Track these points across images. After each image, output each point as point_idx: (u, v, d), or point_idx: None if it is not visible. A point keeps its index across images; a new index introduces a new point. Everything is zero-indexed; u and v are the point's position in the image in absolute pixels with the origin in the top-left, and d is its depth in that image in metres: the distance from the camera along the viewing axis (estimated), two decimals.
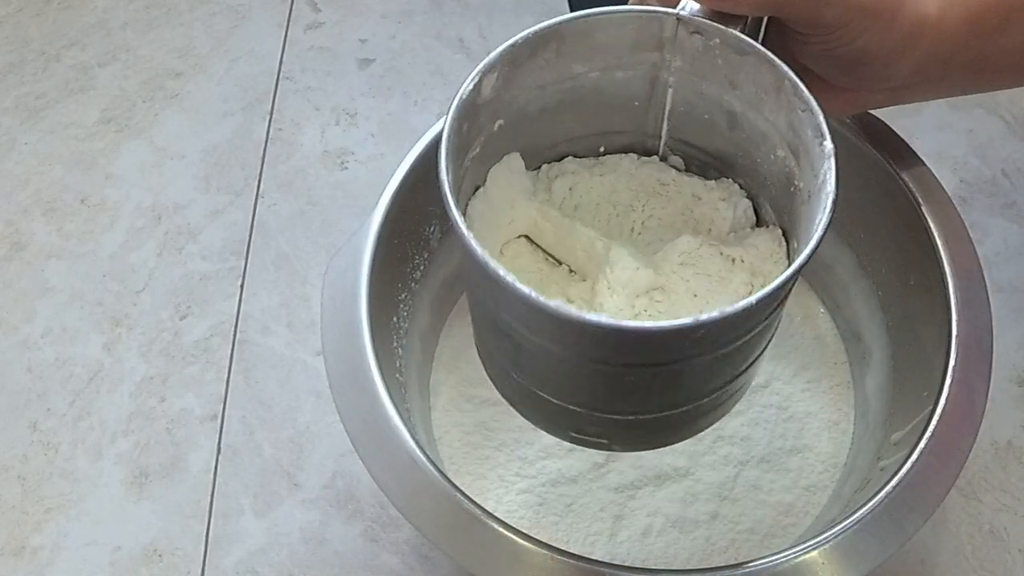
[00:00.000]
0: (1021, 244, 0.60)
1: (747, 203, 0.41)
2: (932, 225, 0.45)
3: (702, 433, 0.50)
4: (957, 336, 0.43)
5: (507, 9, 0.71)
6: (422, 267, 0.50)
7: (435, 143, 0.47)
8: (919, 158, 0.47)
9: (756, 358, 0.37)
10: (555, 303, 0.30)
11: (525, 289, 0.30)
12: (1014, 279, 0.59)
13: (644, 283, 0.38)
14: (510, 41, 0.35)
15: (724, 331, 0.32)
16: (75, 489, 0.53)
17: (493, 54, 0.35)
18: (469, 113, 0.35)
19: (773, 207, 0.40)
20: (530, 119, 0.38)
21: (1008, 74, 0.42)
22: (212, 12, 0.72)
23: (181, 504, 0.53)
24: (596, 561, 0.38)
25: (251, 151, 0.65)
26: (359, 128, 0.66)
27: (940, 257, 0.44)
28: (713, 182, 0.41)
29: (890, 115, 0.48)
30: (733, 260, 0.39)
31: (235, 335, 0.58)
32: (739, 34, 0.35)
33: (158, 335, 0.58)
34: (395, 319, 0.47)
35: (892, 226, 0.48)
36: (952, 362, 0.42)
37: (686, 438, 0.41)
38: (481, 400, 0.52)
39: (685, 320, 0.30)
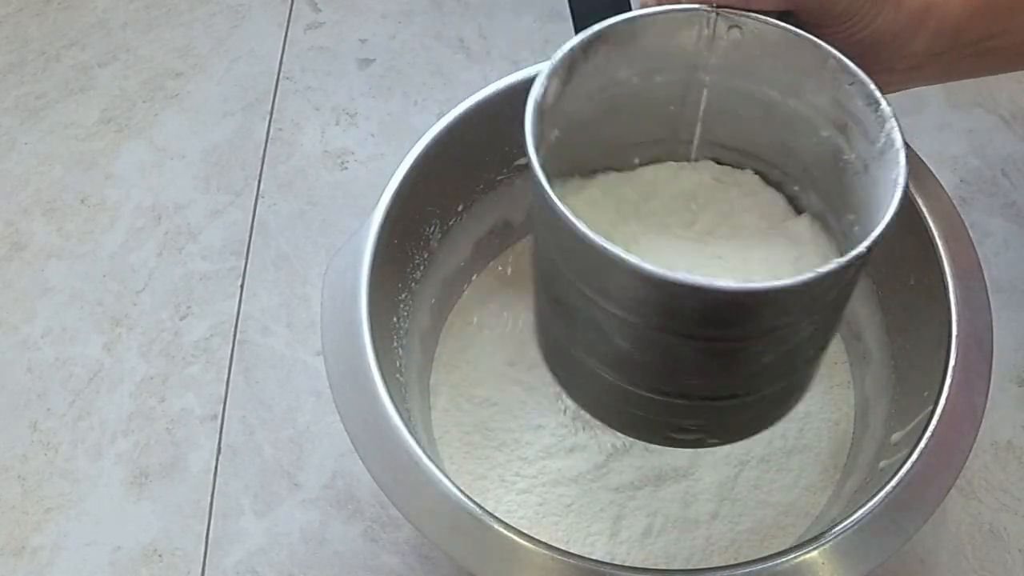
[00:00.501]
0: (1021, 244, 0.60)
1: (777, 194, 0.41)
2: (932, 225, 0.45)
3: None
4: (957, 336, 0.43)
5: (507, 9, 0.71)
6: (422, 267, 0.50)
7: (439, 144, 0.47)
8: (919, 158, 0.47)
9: (832, 334, 0.37)
10: (655, 267, 0.30)
11: (636, 260, 0.30)
12: (1014, 279, 0.59)
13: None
14: (568, 44, 0.36)
15: (823, 292, 0.32)
16: (75, 489, 0.53)
17: (556, 57, 0.35)
18: (540, 114, 0.35)
19: (815, 190, 0.40)
20: (577, 131, 0.38)
21: (1014, 55, 0.43)
22: (212, 12, 0.72)
23: (181, 504, 0.53)
24: (596, 561, 0.38)
25: (251, 151, 0.65)
26: (359, 128, 0.66)
27: (940, 257, 0.44)
28: (740, 172, 0.42)
29: None
30: (779, 242, 0.39)
31: (235, 335, 0.58)
32: (779, 22, 0.36)
33: (158, 335, 0.58)
34: (395, 319, 0.47)
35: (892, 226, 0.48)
36: (952, 362, 0.42)
37: (773, 422, 0.40)
38: (481, 400, 0.52)
39: (792, 280, 0.30)
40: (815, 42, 0.36)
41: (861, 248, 0.31)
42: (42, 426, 0.55)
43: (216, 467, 0.54)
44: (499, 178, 0.52)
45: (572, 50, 0.36)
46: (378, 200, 0.46)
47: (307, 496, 0.53)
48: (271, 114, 0.67)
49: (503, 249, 0.56)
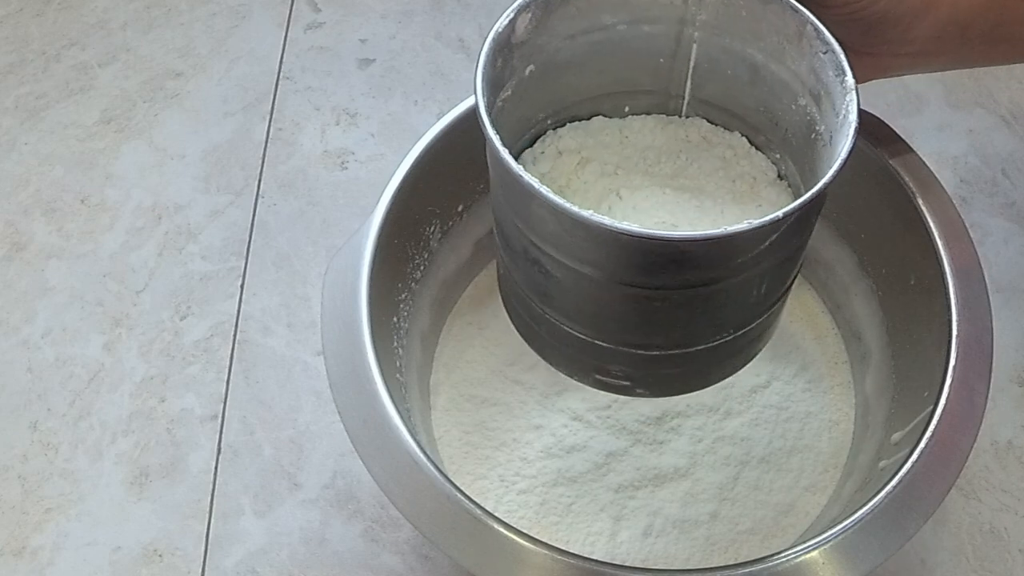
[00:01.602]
0: (1021, 244, 0.60)
1: (765, 158, 0.42)
2: (932, 225, 0.45)
3: (702, 433, 0.50)
4: (957, 336, 0.43)
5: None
6: (422, 267, 0.50)
7: (439, 144, 0.47)
8: (919, 158, 0.47)
9: (782, 293, 0.38)
10: (589, 212, 0.31)
11: (558, 199, 0.31)
12: (1014, 279, 0.59)
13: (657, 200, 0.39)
14: None
15: (755, 244, 0.33)
16: (75, 489, 0.53)
17: None
18: (503, 49, 0.36)
19: (793, 159, 0.41)
20: (559, 69, 0.39)
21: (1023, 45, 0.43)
22: (212, 12, 0.72)
23: (181, 504, 0.53)
24: (596, 561, 0.38)
25: (251, 151, 0.65)
26: (359, 128, 0.66)
27: (940, 257, 0.44)
28: (730, 133, 0.42)
29: (890, 115, 0.48)
30: (748, 207, 0.40)
31: (235, 335, 0.58)
32: None
33: (158, 335, 0.58)
34: (395, 319, 0.47)
35: (892, 226, 0.48)
36: (952, 362, 0.42)
37: (710, 384, 0.41)
38: (481, 400, 0.52)
39: (722, 229, 0.31)
40: (795, 7, 0.36)
41: (778, 214, 0.31)
42: (42, 426, 0.55)
43: (216, 467, 0.54)
44: None
45: None
46: (378, 200, 0.46)
47: (307, 496, 0.53)
48: (271, 114, 0.67)
49: None
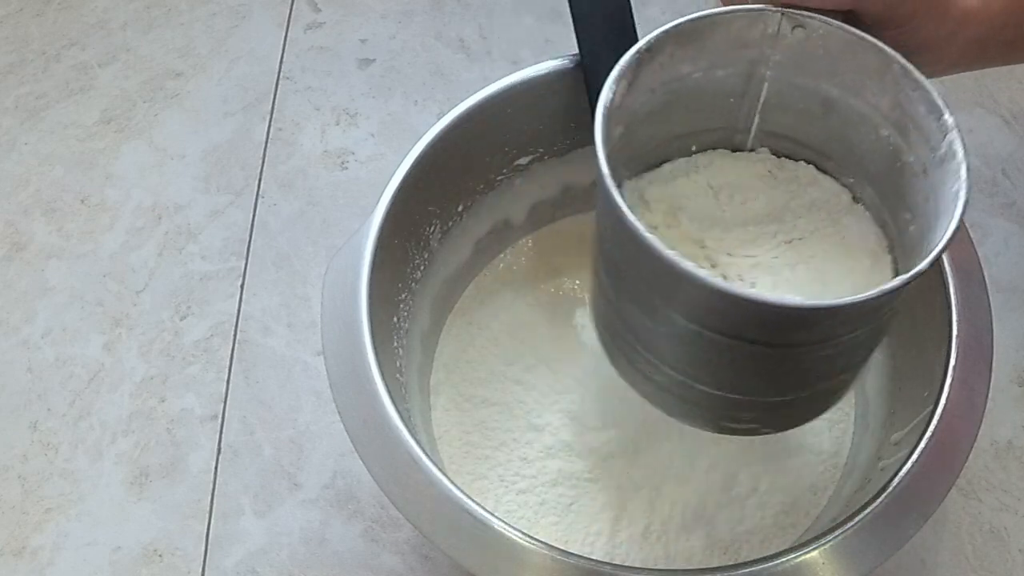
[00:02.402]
0: (1021, 244, 0.60)
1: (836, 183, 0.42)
2: None
3: (701, 433, 0.50)
4: (957, 336, 0.43)
5: (507, 9, 0.71)
6: (422, 267, 0.50)
7: (439, 144, 0.47)
8: None
9: (884, 334, 0.39)
10: (732, 285, 0.32)
11: (704, 274, 0.32)
12: (1014, 279, 0.59)
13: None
14: (636, 47, 0.37)
15: (882, 305, 0.34)
16: (75, 489, 0.53)
17: (624, 60, 0.36)
18: (609, 118, 0.36)
19: (871, 184, 0.41)
20: (640, 123, 0.39)
21: None
22: (212, 12, 0.72)
23: (181, 504, 0.53)
24: (596, 561, 0.38)
25: (251, 151, 0.65)
26: (359, 128, 0.66)
27: (940, 258, 0.44)
28: (801, 164, 0.43)
29: None
30: (833, 239, 0.40)
31: (235, 335, 0.58)
32: (844, 24, 0.37)
33: (158, 335, 0.58)
34: (395, 319, 0.47)
35: None
36: (952, 362, 0.42)
37: (824, 412, 0.42)
38: (481, 400, 0.52)
39: (859, 296, 0.32)
40: (879, 47, 0.37)
41: (924, 264, 0.32)
42: (42, 426, 0.55)
43: (216, 467, 0.54)
44: (499, 178, 0.52)
45: (639, 52, 0.37)
46: (378, 200, 0.46)
47: (307, 496, 0.53)
48: (271, 114, 0.67)
49: (503, 249, 0.56)
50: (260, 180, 0.64)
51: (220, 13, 0.72)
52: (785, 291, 0.38)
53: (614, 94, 0.36)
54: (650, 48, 0.37)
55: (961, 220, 0.33)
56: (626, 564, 0.47)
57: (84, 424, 0.55)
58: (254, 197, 0.63)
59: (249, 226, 0.62)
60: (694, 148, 0.43)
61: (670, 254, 0.32)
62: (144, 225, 0.62)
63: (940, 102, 0.35)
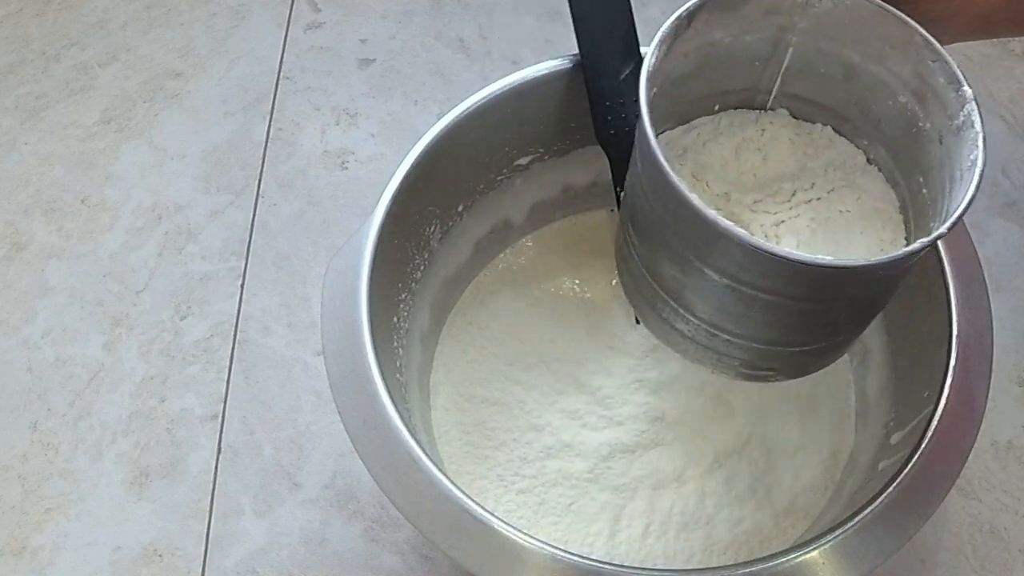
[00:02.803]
0: (1021, 244, 0.60)
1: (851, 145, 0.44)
2: None
3: (701, 434, 0.50)
4: (957, 336, 0.43)
5: (507, 9, 0.71)
6: (422, 267, 0.50)
7: (439, 144, 0.47)
8: None
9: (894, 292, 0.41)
10: (778, 247, 0.33)
11: (743, 233, 0.33)
12: (1014, 279, 0.59)
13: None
14: (675, 15, 0.38)
15: (902, 264, 0.35)
16: (75, 489, 0.53)
17: (664, 27, 0.38)
18: (649, 84, 0.37)
19: (885, 146, 0.42)
20: (671, 85, 0.41)
21: None
22: (212, 12, 0.72)
23: (181, 504, 0.53)
24: (596, 561, 0.38)
25: (251, 151, 0.65)
26: (359, 128, 0.66)
27: (940, 257, 0.44)
28: (818, 126, 0.44)
29: None
30: (849, 199, 0.42)
31: (235, 335, 0.58)
32: None
33: (158, 335, 0.58)
34: (395, 319, 0.47)
35: None
36: (952, 362, 0.42)
37: (836, 359, 0.44)
38: (481, 400, 0.52)
39: (889, 255, 0.34)
40: (903, 18, 0.38)
41: (945, 227, 0.34)
42: (42, 426, 0.55)
43: (216, 467, 0.54)
44: (499, 178, 0.52)
45: (678, 18, 0.38)
46: (378, 200, 0.46)
47: (307, 496, 0.53)
48: (271, 114, 0.67)
49: (503, 249, 0.56)
50: (260, 180, 0.64)
51: (220, 13, 0.72)
52: (808, 249, 0.40)
53: (656, 59, 0.38)
54: (689, 15, 0.38)
55: (978, 187, 0.35)
56: (626, 564, 0.47)
57: (84, 424, 0.55)
58: (254, 197, 0.63)
59: (249, 226, 0.62)
60: (717, 107, 0.45)
61: (712, 213, 0.34)
62: (144, 225, 0.62)
63: (959, 74, 0.37)
